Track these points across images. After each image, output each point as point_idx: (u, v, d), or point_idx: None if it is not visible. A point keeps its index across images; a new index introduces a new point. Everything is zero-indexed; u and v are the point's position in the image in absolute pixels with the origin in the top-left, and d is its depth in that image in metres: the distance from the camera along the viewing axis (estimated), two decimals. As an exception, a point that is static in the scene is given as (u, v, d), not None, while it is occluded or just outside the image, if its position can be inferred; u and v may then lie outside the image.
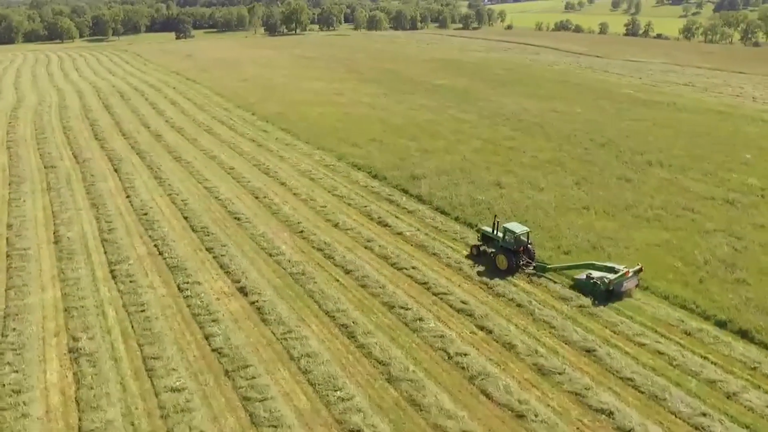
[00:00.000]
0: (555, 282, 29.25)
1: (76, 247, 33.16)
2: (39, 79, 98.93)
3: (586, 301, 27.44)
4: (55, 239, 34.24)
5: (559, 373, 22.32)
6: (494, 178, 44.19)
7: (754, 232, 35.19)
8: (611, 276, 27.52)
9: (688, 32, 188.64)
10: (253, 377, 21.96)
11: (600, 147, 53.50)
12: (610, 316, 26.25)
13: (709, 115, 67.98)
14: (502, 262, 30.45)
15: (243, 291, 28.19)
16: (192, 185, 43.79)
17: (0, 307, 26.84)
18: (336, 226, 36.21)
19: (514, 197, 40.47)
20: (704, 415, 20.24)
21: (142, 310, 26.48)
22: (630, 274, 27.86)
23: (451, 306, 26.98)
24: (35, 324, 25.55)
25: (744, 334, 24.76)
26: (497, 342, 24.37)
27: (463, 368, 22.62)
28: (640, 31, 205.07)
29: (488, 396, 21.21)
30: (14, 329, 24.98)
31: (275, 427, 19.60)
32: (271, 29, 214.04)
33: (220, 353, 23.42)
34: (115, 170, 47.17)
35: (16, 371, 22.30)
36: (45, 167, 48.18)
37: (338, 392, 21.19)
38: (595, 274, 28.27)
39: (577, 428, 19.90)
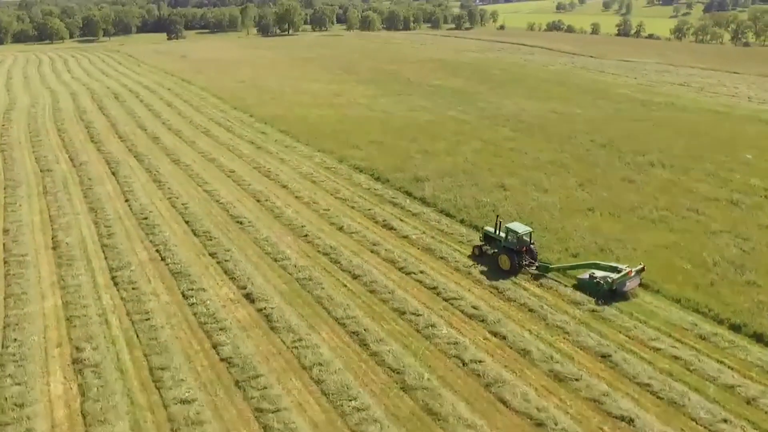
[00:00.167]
0: (565, 285, 28.93)
1: (76, 252, 32.35)
2: (31, 81, 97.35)
3: (599, 305, 27.15)
4: (53, 245, 33.43)
5: (576, 380, 21.96)
6: (498, 180, 43.84)
7: (760, 232, 35.10)
8: (614, 275, 27.43)
9: (679, 32, 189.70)
10: (265, 387, 21.36)
11: (601, 147, 53.35)
12: (624, 320, 25.95)
13: (707, 115, 68.10)
14: (504, 262, 30.15)
15: (249, 297, 27.58)
16: (192, 188, 43.04)
17: (-1, 316, 26.08)
18: (340, 229, 35.67)
19: (518, 199, 40.15)
20: (725, 421, 19.94)
21: (147, 319, 25.78)
22: (633, 274, 27.79)
23: (462, 311, 26.55)
24: (36, 334, 24.76)
25: (759, 338, 24.52)
26: (511, 348, 23.98)
27: (478, 375, 22.19)
28: (632, 32, 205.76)
29: (506, 404, 20.80)
30: (15, 339, 24.16)
31: (290, 439, 19.04)
32: (263, 30, 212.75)
33: (229, 363, 22.81)
34: (113, 173, 46.28)
35: (19, 384, 21.54)
36: (41, 170, 47.19)
37: (353, 402, 20.67)
38: (599, 273, 28.24)
39: (598, 437, 19.55)
